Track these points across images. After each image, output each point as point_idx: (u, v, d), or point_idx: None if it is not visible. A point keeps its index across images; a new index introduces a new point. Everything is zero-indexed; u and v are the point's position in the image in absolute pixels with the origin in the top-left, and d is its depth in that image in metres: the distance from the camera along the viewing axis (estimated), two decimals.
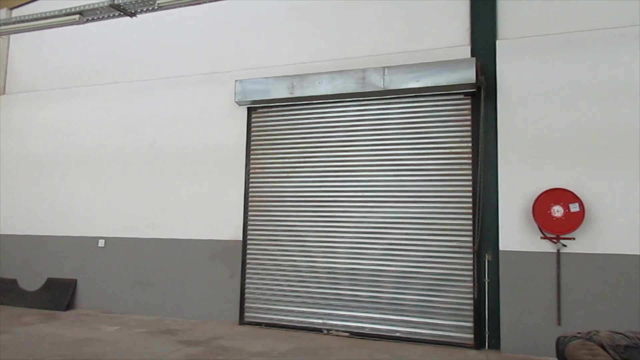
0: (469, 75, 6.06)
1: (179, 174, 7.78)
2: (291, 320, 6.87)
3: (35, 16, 7.01)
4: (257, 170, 7.35)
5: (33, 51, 9.27)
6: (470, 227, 6.19)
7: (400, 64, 6.51)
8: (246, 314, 7.15)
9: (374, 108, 6.80)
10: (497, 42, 6.27)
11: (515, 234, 5.96)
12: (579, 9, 6.00)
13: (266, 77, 7.14)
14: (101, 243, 8.16)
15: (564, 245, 5.74)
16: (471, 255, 6.15)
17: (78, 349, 5.73)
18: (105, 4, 6.52)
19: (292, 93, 6.94)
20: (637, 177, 5.56)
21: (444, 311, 6.20)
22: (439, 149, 6.43)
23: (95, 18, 6.85)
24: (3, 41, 9.44)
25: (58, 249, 8.43)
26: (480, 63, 6.17)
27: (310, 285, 6.85)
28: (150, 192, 7.93)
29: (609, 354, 3.27)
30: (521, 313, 5.85)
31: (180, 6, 6.44)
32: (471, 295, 6.09)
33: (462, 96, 6.38)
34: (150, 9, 6.54)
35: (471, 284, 6.11)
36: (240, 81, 7.26)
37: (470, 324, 6.06)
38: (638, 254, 5.49)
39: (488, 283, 6.02)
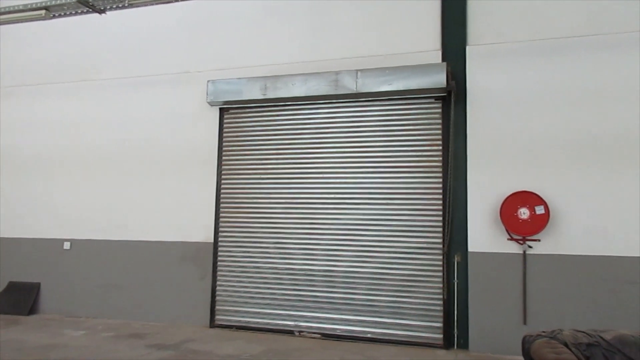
0: (439, 79, 6.17)
1: (149, 174, 7.64)
2: (263, 323, 6.83)
3: None
4: (229, 172, 7.29)
5: None
6: (440, 229, 6.30)
7: (373, 67, 6.57)
8: (217, 317, 7.07)
9: (346, 110, 6.84)
10: (467, 47, 6.41)
11: (484, 235, 6.10)
12: (546, 17, 6.20)
13: (239, 78, 7.09)
14: (67, 245, 7.93)
15: (530, 247, 5.91)
16: (441, 257, 6.26)
17: (43, 355, 5.56)
18: None
19: (265, 94, 6.91)
20: (599, 180, 5.78)
21: (414, 312, 6.28)
22: (411, 151, 6.52)
23: (63, 14, 6.64)
24: None
25: (21, 252, 8.14)
26: (450, 68, 6.30)
27: (280, 286, 6.83)
28: (118, 193, 7.76)
29: (572, 351, 3.38)
30: (489, 313, 5.98)
31: (152, 4, 6.33)
32: (441, 296, 6.20)
33: (433, 100, 6.49)
34: (120, 5, 6.38)
35: (441, 285, 6.21)
36: (213, 81, 7.19)
37: (440, 324, 6.16)
38: (599, 254, 5.70)
39: (457, 284, 6.14)
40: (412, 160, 6.50)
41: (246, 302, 6.96)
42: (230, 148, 7.33)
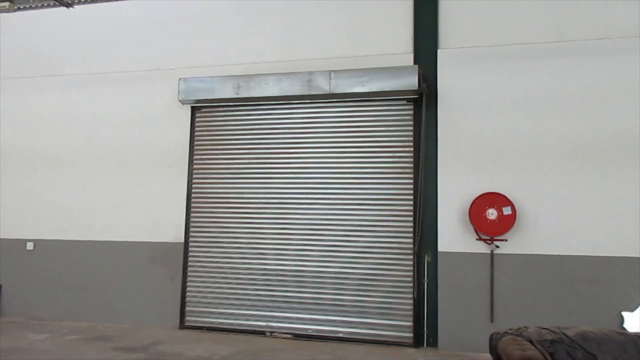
0: (411, 81, 6.26)
1: (117, 173, 7.47)
2: (234, 324, 6.78)
3: None
4: (200, 171, 7.20)
5: None
6: (411, 229, 6.38)
7: (346, 68, 6.61)
8: (187, 318, 6.98)
9: (320, 111, 6.86)
10: (439, 51, 6.52)
11: (453, 235, 6.22)
12: (515, 23, 6.37)
13: (212, 76, 7.01)
14: (29, 246, 7.67)
15: (497, 247, 6.06)
16: (411, 257, 6.34)
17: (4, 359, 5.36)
18: None
19: (238, 93, 6.86)
20: (565, 181, 5.97)
21: (385, 311, 6.34)
22: (383, 152, 6.59)
23: (28, 7, 6.46)
24: None
25: None
26: (422, 70, 6.39)
27: (252, 286, 6.79)
28: (85, 192, 7.56)
29: (537, 348, 3.49)
30: (458, 312, 6.10)
31: None
32: (411, 295, 6.28)
33: (405, 102, 6.58)
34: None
35: (411, 284, 6.30)
36: (185, 79, 7.09)
37: (410, 323, 6.25)
38: (564, 254, 5.89)
39: (427, 283, 6.24)
40: (384, 161, 6.57)
41: (217, 303, 6.89)
42: (202, 147, 7.24)
